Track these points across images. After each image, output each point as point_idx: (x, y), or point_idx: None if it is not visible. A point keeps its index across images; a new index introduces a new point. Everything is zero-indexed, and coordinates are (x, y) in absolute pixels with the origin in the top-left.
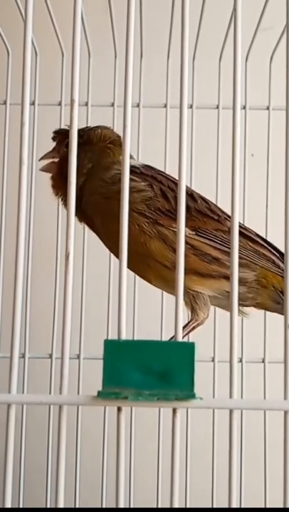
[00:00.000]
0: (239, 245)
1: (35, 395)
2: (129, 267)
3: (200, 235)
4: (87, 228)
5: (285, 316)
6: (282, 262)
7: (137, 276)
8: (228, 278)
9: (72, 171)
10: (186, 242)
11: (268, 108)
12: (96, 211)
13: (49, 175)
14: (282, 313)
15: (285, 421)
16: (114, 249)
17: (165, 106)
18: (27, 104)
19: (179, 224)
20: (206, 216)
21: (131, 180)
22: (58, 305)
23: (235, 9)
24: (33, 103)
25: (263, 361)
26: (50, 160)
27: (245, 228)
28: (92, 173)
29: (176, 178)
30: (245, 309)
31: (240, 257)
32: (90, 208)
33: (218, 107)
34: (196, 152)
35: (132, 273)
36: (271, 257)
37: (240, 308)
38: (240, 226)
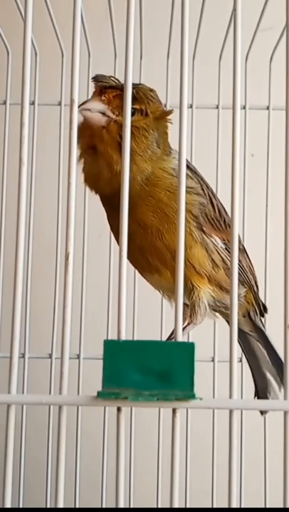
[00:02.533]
0: (244, 264)
1: (35, 395)
2: (152, 262)
3: (228, 250)
4: (87, 228)
5: (285, 316)
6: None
7: (137, 276)
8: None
9: (72, 172)
10: (219, 254)
11: (267, 108)
12: (143, 202)
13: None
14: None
15: (285, 421)
16: (154, 247)
17: (165, 106)
18: (27, 104)
19: (179, 223)
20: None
21: (189, 178)
22: (57, 305)
23: (235, 9)
24: (32, 103)
25: None
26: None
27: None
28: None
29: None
30: (218, 314)
31: (240, 274)
32: (137, 196)
33: (218, 107)
34: (196, 152)
35: (132, 273)
36: (255, 275)
37: (215, 313)
38: (240, 242)
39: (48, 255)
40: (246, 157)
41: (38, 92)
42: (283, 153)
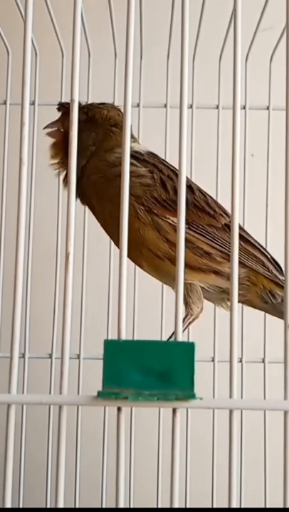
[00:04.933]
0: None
1: (35, 395)
2: (133, 256)
3: (192, 228)
4: (87, 228)
5: (285, 316)
6: (274, 266)
7: (137, 276)
8: (217, 273)
9: (72, 172)
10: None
11: (267, 108)
12: (94, 191)
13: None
14: (270, 313)
15: (285, 421)
16: (109, 230)
17: (165, 106)
18: (27, 104)
19: (179, 222)
20: (202, 211)
21: (132, 164)
22: (57, 305)
23: (235, 9)
24: (33, 103)
25: (263, 361)
26: (55, 128)
27: (242, 229)
28: (94, 155)
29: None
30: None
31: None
32: (89, 187)
33: (218, 107)
34: (196, 152)
35: (132, 273)
36: (261, 259)
37: (227, 302)
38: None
39: (48, 256)
40: (246, 157)
41: (38, 92)
42: (283, 153)
